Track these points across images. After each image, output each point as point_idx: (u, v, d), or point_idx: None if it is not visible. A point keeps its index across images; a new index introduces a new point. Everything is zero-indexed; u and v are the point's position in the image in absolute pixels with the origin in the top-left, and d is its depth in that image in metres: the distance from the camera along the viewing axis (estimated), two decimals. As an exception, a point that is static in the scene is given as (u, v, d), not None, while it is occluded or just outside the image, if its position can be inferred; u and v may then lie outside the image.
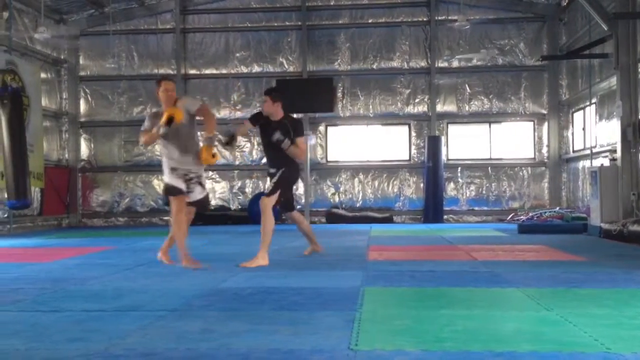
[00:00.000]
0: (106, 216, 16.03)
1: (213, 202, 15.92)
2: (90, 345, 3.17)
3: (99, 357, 2.94)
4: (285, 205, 7.21)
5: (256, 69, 15.90)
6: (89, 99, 16.16)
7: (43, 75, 14.80)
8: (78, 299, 4.58)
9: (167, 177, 6.44)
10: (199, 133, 6.57)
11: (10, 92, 10.97)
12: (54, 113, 15.40)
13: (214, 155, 6.26)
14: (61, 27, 15.31)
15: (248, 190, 15.81)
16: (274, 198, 6.74)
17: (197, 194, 6.56)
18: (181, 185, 6.39)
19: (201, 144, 6.42)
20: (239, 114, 15.80)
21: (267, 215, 6.66)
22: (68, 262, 7.11)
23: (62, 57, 15.71)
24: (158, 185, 15.95)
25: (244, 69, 15.92)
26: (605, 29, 10.60)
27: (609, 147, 11.33)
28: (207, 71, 16.02)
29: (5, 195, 11.30)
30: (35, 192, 14.18)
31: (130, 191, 16.01)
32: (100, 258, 7.57)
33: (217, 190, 15.94)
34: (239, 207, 15.76)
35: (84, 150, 16.18)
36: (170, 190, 6.41)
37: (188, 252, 6.42)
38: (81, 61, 16.13)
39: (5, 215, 12.97)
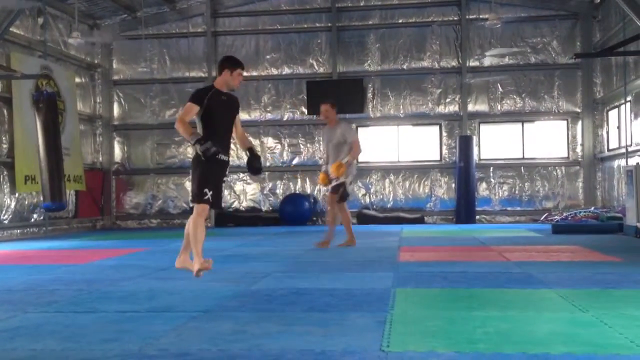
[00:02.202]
0: (139, 218, 16.24)
1: (244, 204, 16.04)
2: (124, 345, 3.21)
3: (133, 358, 2.98)
4: None
5: (286, 70, 15.96)
6: (122, 102, 16.39)
7: (77, 79, 15.05)
8: (112, 300, 4.65)
9: (348, 185, 8.56)
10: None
11: (46, 96, 11.18)
12: (88, 117, 15.65)
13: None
14: (95, 32, 15.56)
15: (279, 191, 15.86)
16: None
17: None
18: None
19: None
20: (269, 116, 15.89)
21: None
22: (103, 264, 7.22)
23: (95, 61, 15.95)
24: (190, 187, 16.08)
25: (274, 71, 15.98)
26: (641, 25, 10.41)
27: (645, 146, 11.13)
28: (238, 74, 16.07)
29: (41, 198, 11.53)
30: (70, 194, 14.43)
31: (162, 193, 16.19)
32: (134, 259, 7.68)
33: (248, 192, 16.03)
34: (270, 208, 15.83)
35: (118, 153, 16.41)
36: (345, 196, 8.58)
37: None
38: (114, 65, 16.37)
39: (42, 218, 13.21)
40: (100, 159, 16.17)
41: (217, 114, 5.60)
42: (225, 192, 16.07)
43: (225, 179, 5.86)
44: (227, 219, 15.65)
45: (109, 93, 16.27)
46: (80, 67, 15.31)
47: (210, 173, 5.56)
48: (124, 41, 16.18)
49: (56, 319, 3.94)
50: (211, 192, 5.58)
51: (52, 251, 9.32)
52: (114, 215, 16.26)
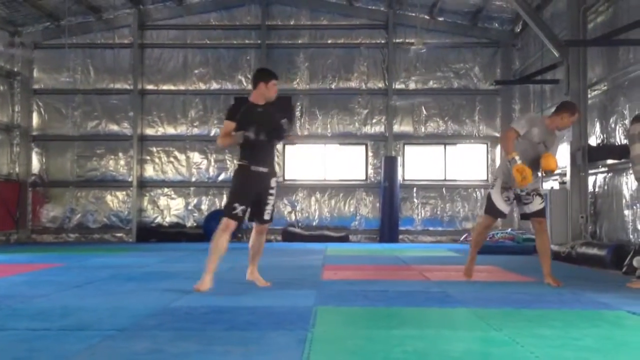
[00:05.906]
0: (57, 232, 15.68)
1: (167, 219, 15.76)
2: (33, 365, 3.09)
3: (42, 378, 2.87)
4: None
5: (214, 86, 15.86)
6: (42, 112, 15.86)
7: (-5, 87, 14.48)
8: (23, 317, 4.46)
9: (495, 194, 6.66)
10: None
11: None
12: (5, 126, 15.06)
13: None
14: (15, 39, 15.03)
15: (204, 207, 15.67)
16: None
17: (535, 205, 6.63)
18: (502, 206, 6.66)
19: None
20: (196, 131, 15.73)
21: None
22: (15, 279, 6.92)
23: (15, 69, 15.40)
24: (111, 201, 15.71)
25: (202, 86, 15.85)
26: (557, 55, 10.89)
27: (559, 171, 11.59)
28: (165, 87, 15.90)
29: None
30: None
31: (82, 207, 15.71)
32: (48, 275, 7.39)
33: (172, 207, 15.76)
34: (194, 224, 15.60)
35: (36, 164, 15.83)
36: (489, 208, 6.74)
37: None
38: (35, 74, 15.84)
39: (-49, 230, 12.59)
40: (17, 169, 15.56)
41: (251, 127, 5.78)
42: (149, 207, 15.78)
43: (270, 191, 6.04)
44: (149, 234, 15.33)
45: (29, 102, 15.72)
46: (-2, 74, 14.75)
47: (242, 187, 5.88)
48: (46, 50, 15.71)
49: (-39, 338, 3.74)
50: (242, 207, 5.81)
51: (-39, 265, 8.87)
52: (30, 228, 15.65)
